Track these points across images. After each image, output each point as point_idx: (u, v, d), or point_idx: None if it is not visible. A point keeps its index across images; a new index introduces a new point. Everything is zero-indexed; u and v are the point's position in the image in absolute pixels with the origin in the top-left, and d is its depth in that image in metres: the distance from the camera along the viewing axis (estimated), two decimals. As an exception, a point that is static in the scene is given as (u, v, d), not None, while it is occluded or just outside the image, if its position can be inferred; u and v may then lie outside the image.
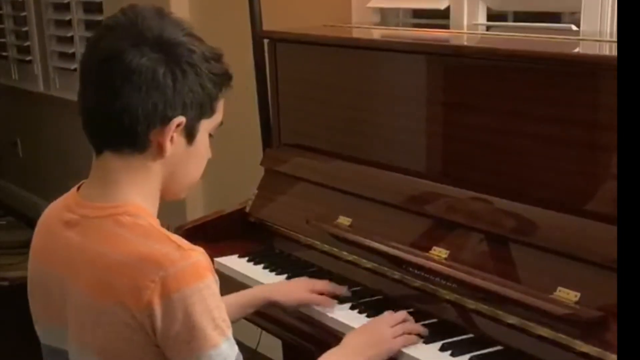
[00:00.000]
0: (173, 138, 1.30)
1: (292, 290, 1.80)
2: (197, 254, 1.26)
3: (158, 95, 1.26)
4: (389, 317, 1.66)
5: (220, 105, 1.36)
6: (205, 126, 1.34)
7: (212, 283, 1.26)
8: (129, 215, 1.29)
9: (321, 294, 1.80)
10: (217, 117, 1.36)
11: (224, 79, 1.34)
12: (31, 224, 5.64)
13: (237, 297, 1.76)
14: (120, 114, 1.26)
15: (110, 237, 1.28)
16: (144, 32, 1.27)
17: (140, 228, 1.27)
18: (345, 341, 1.59)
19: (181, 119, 1.29)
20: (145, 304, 1.21)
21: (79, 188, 1.38)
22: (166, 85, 1.26)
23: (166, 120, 1.28)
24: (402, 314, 1.66)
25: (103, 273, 1.26)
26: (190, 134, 1.32)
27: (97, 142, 1.33)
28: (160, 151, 1.30)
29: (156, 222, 1.31)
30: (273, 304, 1.79)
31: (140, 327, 1.23)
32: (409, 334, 1.62)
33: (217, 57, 1.33)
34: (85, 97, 1.31)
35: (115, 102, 1.25)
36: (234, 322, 1.70)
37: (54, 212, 1.40)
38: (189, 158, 1.35)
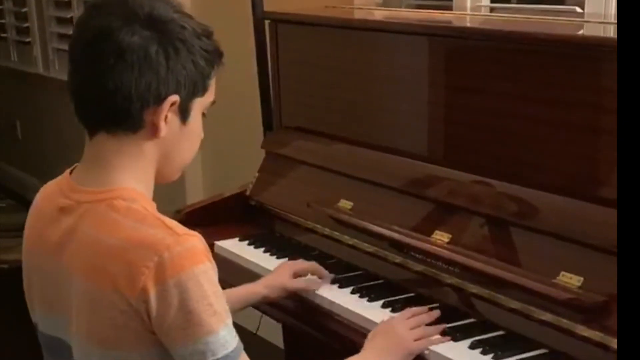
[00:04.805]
0: (167, 117, 1.28)
1: (275, 280, 1.78)
2: (193, 239, 1.24)
3: (151, 74, 1.24)
4: (409, 318, 1.60)
5: (212, 84, 1.34)
6: (199, 105, 1.33)
7: (209, 269, 1.24)
8: (123, 199, 1.27)
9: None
10: (210, 95, 1.35)
11: (215, 56, 1.32)
12: (30, 206, 5.64)
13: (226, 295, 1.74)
14: (113, 94, 1.24)
15: (105, 222, 1.26)
16: (135, 10, 1.25)
17: (135, 212, 1.25)
18: (366, 347, 1.54)
19: (175, 98, 1.27)
20: (139, 289, 1.20)
21: (71, 171, 1.36)
22: (159, 63, 1.24)
23: (160, 99, 1.26)
24: (423, 311, 1.62)
25: (98, 259, 1.24)
26: (184, 113, 1.30)
27: (90, 124, 1.31)
28: (154, 131, 1.28)
29: (152, 207, 1.29)
30: (261, 299, 1.78)
31: (135, 313, 1.22)
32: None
33: (208, 34, 1.31)
34: (76, 79, 1.29)
35: (108, 82, 1.23)
36: None
37: (47, 197, 1.38)
38: (183, 138, 1.33)
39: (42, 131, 5.25)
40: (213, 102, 1.36)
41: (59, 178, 1.38)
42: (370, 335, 1.57)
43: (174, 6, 1.30)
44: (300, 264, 1.86)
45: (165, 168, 1.35)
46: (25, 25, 5.07)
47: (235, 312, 1.72)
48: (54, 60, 4.85)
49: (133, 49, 1.23)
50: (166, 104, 1.27)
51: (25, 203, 5.37)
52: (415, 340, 1.55)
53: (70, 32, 4.91)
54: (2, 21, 5.40)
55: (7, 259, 4.39)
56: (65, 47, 4.65)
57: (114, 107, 1.25)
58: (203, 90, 1.32)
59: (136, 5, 1.26)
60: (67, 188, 1.33)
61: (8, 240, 4.67)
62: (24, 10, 5.06)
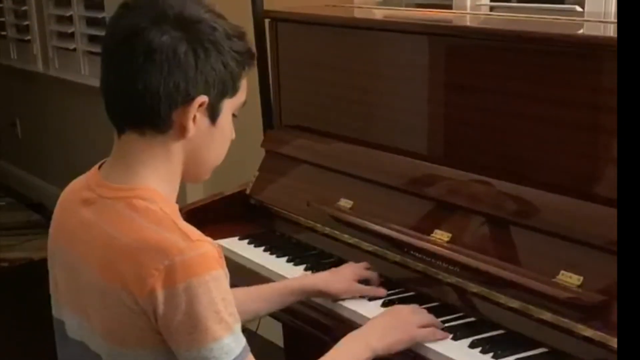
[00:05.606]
0: (195, 118, 1.28)
1: (338, 280, 1.74)
2: (207, 245, 1.24)
3: (180, 74, 1.24)
4: (417, 307, 1.62)
5: (243, 84, 1.34)
6: (229, 106, 1.32)
7: (220, 276, 1.24)
8: (143, 199, 1.27)
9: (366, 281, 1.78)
10: (241, 96, 1.34)
11: (246, 57, 1.32)
12: (30, 205, 5.63)
13: (276, 286, 1.73)
14: (142, 93, 1.24)
15: (122, 220, 1.26)
16: (165, 10, 1.25)
17: (152, 213, 1.26)
18: (369, 323, 1.56)
19: (204, 99, 1.27)
20: (148, 291, 1.20)
21: (100, 166, 1.37)
22: (188, 63, 1.24)
23: (188, 99, 1.26)
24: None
25: (111, 255, 1.25)
26: (213, 114, 1.30)
27: (119, 122, 1.31)
28: (182, 132, 1.28)
29: (170, 209, 1.28)
30: (317, 294, 1.73)
31: (143, 312, 1.22)
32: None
33: (240, 35, 1.31)
34: (106, 78, 1.30)
35: (137, 81, 1.24)
36: (272, 311, 1.69)
37: (74, 189, 1.39)
38: (213, 139, 1.33)
39: (41, 129, 5.24)
40: (244, 103, 1.36)
41: (88, 172, 1.39)
42: (374, 316, 1.59)
43: (205, 6, 1.29)
44: (366, 271, 1.80)
45: (194, 168, 1.35)
46: (25, 23, 5.07)
47: (283, 305, 1.72)
48: (53, 59, 4.85)
49: (162, 49, 1.23)
50: (194, 105, 1.27)
51: (25, 201, 5.39)
52: (420, 328, 1.55)
53: (70, 30, 4.93)
54: (2, 19, 5.40)
55: (8, 258, 4.38)
56: (65, 45, 4.66)
57: (143, 106, 1.25)
58: (233, 91, 1.32)
59: (166, 5, 1.26)
60: (94, 182, 1.34)
61: (8, 239, 4.66)
62: (23, 8, 5.06)
